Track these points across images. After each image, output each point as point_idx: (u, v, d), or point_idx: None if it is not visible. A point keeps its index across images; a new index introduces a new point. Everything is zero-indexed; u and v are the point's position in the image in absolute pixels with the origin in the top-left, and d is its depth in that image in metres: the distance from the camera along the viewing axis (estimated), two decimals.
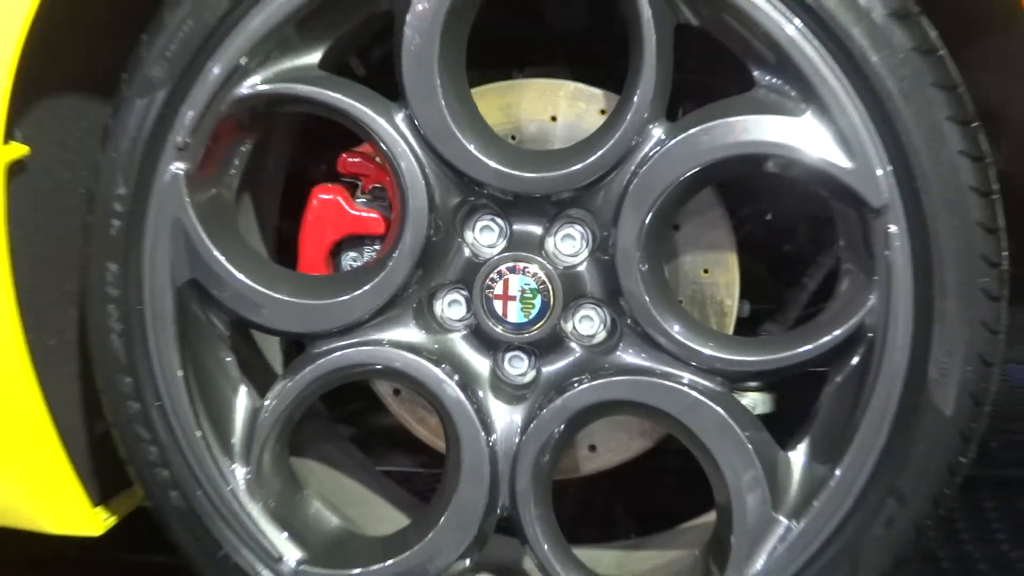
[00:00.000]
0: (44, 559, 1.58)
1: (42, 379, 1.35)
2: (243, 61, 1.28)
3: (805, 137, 1.22)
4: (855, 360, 1.27)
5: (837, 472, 1.26)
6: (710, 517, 1.37)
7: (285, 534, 1.36)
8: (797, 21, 1.20)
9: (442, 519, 1.31)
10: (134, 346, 1.34)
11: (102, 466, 1.43)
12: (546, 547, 1.31)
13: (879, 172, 1.21)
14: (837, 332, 1.25)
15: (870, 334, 1.24)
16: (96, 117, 1.37)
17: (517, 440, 1.32)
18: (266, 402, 1.35)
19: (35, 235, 1.36)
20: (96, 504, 1.42)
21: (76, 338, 1.42)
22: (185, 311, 1.34)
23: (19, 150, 1.32)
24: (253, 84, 1.29)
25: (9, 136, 1.30)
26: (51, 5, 1.26)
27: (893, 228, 1.21)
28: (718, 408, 1.27)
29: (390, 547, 1.35)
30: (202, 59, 1.29)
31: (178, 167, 1.30)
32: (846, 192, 1.22)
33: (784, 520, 1.28)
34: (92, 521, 1.42)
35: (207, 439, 1.35)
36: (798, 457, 1.32)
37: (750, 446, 1.27)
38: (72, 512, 1.41)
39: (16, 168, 1.32)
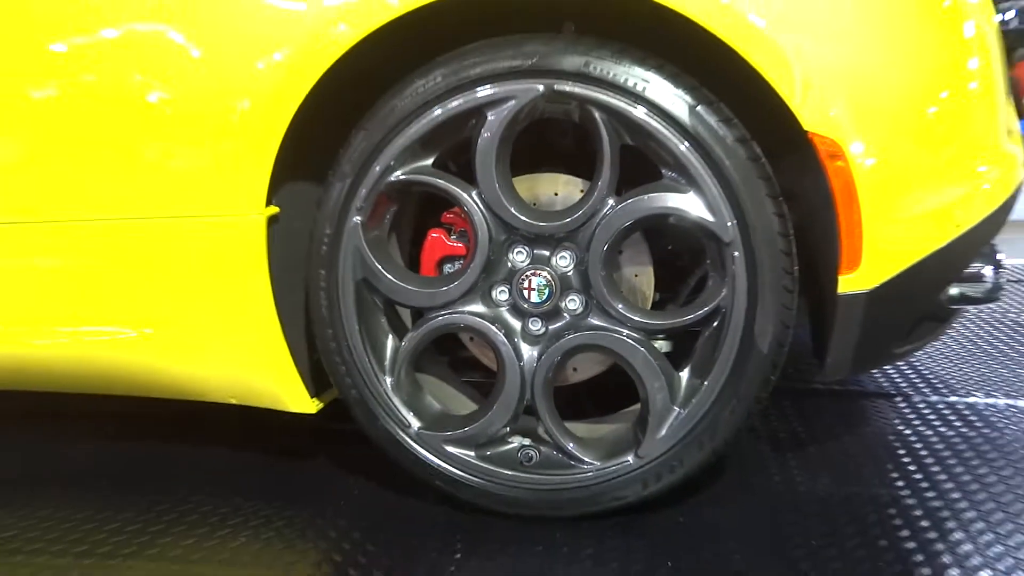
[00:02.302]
0: (289, 425, 1.53)
1: (284, 327, 1.36)
2: (392, 163, 1.30)
3: (689, 205, 1.24)
4: (715, 323, 1.28)
5: (705, 383, 1.28)
6: (637, 406, 1.37)
7: (412, 413, 1.37)
8: (685, 144, 1.23)
9: (495, 405, 1.34)
10: (334, 312, 1.36)
11: (316, 374, 1.43)
12: (549, 420, 1.34)
13: (728, 223, 1.23)
14: (707, 307, 1.27)
15: (723, 309, 1.26)
16: (317, 189, 1.36)
17: (535, 364, 1.33)
18: (402, 343, 1.37)
19: (281, 254, 1.36)
20: (312, 395, 1.43)
21: (303, 306, 1.41)
22: (360, 294, 1.35)
23: (274, 210, 1.33)
24: (397, 175, 1.31)
25: (269, 201, 1.31)
26: (302, 115, 1.26)
27: (736, 253, 1.24)
28: (642, 348, 1.30)
29: (467, 420, 1.37)
30: (370, 162, 1.30)
31: (357, 219, 1.32)
32: (711, 234, 1.25)
33: (677, 408, 1.30)
34: (311, 404, 1.43)
35: (371, 361, 1.36)
36: (685, 375, 1.33)
37: (659, 369, 1.30)
38: (301, 398, 1.41)
39: (272, 220, 1.33)
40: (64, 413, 1.83)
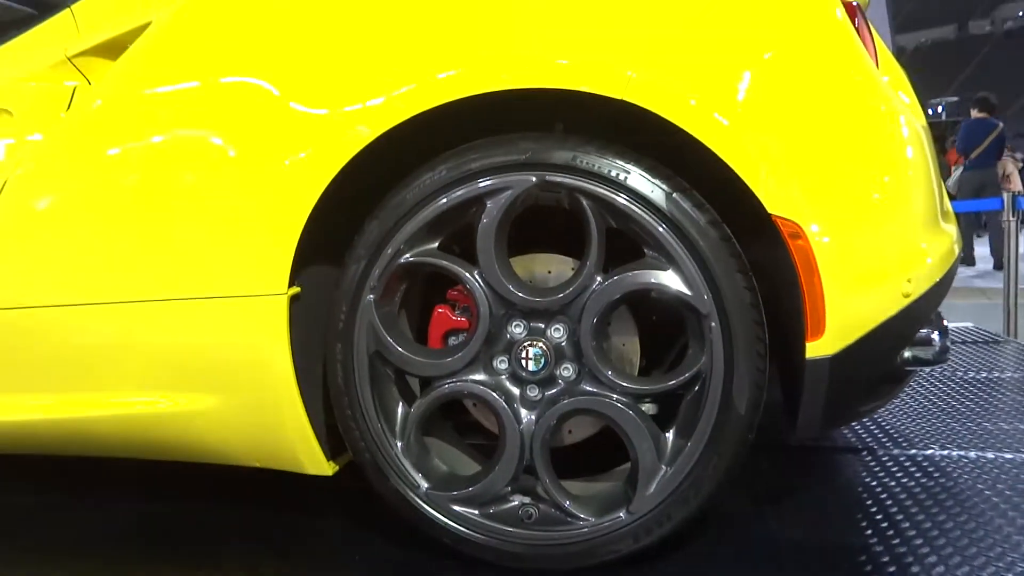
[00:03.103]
0: (307, 486, 1.53)
1: (303, 397, 1.36)
2: (401, 247, 1.33)
3: (669, 281, 1.27)
4: (696, 387, 1.30)
5: (689, 443, 1.29)
6: (627, 465, 1.37)
7: (420, 474, 1.37)
8: (663, 227, 1.26)
9: (497, 467, 1.34)
10: (349, 383, 1.37)
11: (332, 438, 1.43)
12: (547, 479, 1.34)
13: (705, 296, 1.26)
14: (688, 373, 1.29)
15: (703, 374, 1.28)
16: (334, 271, 1.38)
17: (533, 428, 1.33)
18: (412, 409, 1.38)
19: (301, 330, 1.37)
20: (329, 459, 1.42)
21: (320, 377, 1.41)
22: (373, 365, 1.36)
23: (296, 290, 1.35)
24: (406, 257, 1.33)
25: (292, 282, 1.33)
26: (322, 205, 1.29)
27: (713, 324, 1.27)
28: (630, 412, 1.31)
29: (472, 480, 1.37)
30: (382, 246, 1.33)
31: (371, 297, 1.34)
32: (689, 306, 1.28)
33: (664, 467, 1.30)
34: (327, 467, 1.42)
35: (383, 427, 1.37)
36: (670, 435, 1.33)
37: (647, 430, 1.31)
38: (318, 461, 1.40)
39: (294, 299, 1.35)
40: (96, 477, 1.80)
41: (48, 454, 1.58)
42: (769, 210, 1.22)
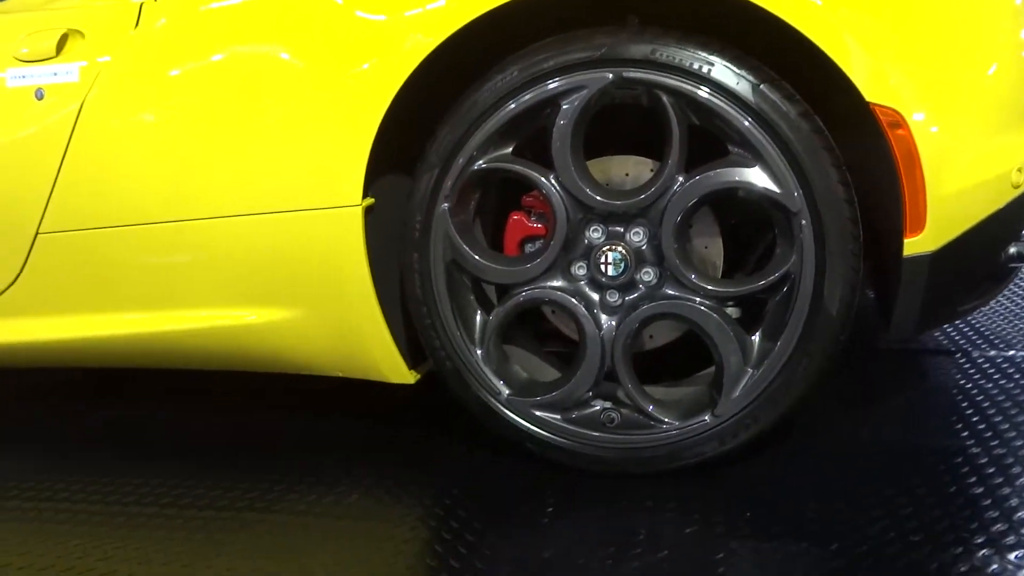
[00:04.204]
0: (387, 395, 1.57)
1: (383, 307, 1.38)
2: (474, 153, 1.30)
3: (756, 178, 1.22)
4: (785, 289, 1.26)
5: (777, 345, 1.26)
6: (711, 370, 1.35)
7: (501, 381, 1.37)
8: (749, 121, 1.20)
9: (578, 372, 1.34)
10: (427, 292, 1.36)
11: (412, 348, 1.44)
12: (629, 384, 1.33)
13: (795, 193, 1.21)
14: (776, 274, 1.24)
15: (792, 275, 1.24)
16: (407, 181, 1.37)
17: (614, 333, 1.32)
18: (490, 318, 1.37)
19: (378, 241, 1.38)
20: (410, 368, 1.44)
21: (399, 287, 1.42)
22: (450, 275, 1.36)
23: (369, 201, 1.35)
24: (479, 164, 1.31)
25: (365, 194, 1.33)
26: (391, 114, 1.27)
27: (803, 222, 1.21)
28: (715, 315, 1.28)
29: (553, 386, 1.37)
30: (455, 153, 1.30)
31: (445, 206, 1.33)
32: (778, 205, 1.22)
33: (750, 370, 1.28)
34: (409, 375, 1.44)
35: (462, 335, 1.37)
36: (756, 338, 1.30)
37: (732, 333, 1.28)
38: (400, 370, 1.43)
39: (368, 210, 1.35)
40: (185, 391, 1.89)
41: (142, 368, 1.64)
42: (867, 98, 1.15)
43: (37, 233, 1.51)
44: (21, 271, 1.55)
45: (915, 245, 1.19)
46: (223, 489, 1.40)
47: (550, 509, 1.29)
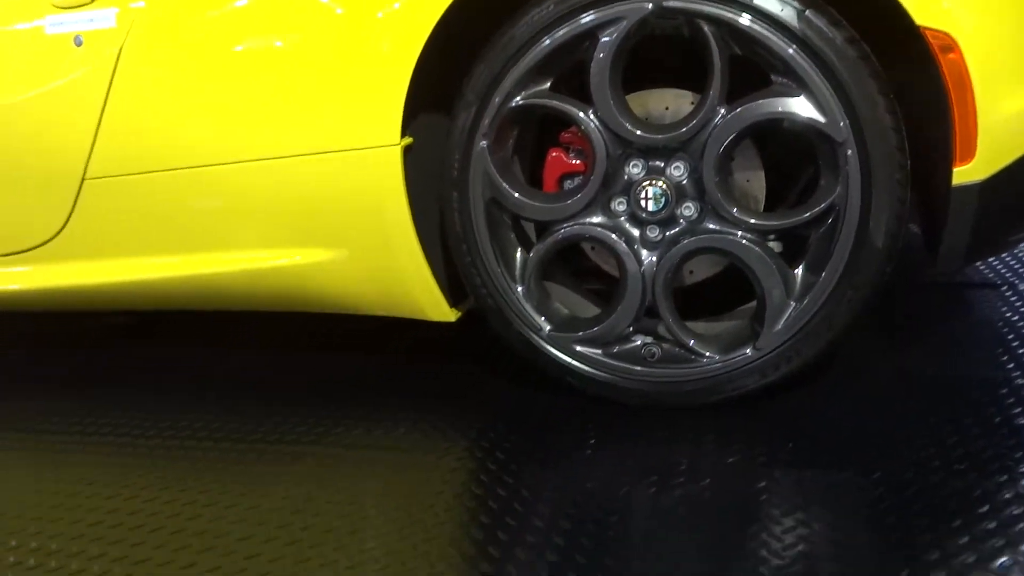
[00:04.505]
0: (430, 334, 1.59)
1: (423, 246, 1.38)
2: (512, 90, 1.29)
3: (800, 108, 1.20)
4: (829, 221, 1.24)
5: (821, 278, 1.25)
6: (752, 304, 1.35)
7: (543, 317, 1.38)
8: (793, 49, 1.18)
9: (619, 307, 1.34)
10: (467, 231, 1.37)
11: (453, 286, 1.45)
12: (670, 319, 1.33)
13: (841, 123, 1.19)
14: (821, 206, 1.23)
15: (837, 207, 1.22)
16: (445, 119, 1.37)
17: (654, 269, 1.32)
18: (530, 255, 1.38)
19: (417, 180, 1.38)
20: (452, 305, 1.45)
21: (439, 226, 1.43)
22: (490, 212, 1.36)
23: (408, 140, 1.35)
24: (517, 101, 1.30)
25: (404, 133, 1.32)
26: (427, 52, 1.27)
27: (849, 152, 1.19)
28: (757, 248, 1.27)
29: (595, 321, 1.38)
30: (492, 90, 1.29)
31: (483, 143, 1.32)
32: (823, 135, 1.20)
33: (793, 303, 1.28)
34: (450, 313, 1.45)
35: (503, 272, 1.38)
36: (799, 271, 1.29)
37: (774, 266, 1.27)
38: (441, 308, 1.44)
39: (407, 150, 1.35)
40: (235, 332, 1.94)
41: (190, 310, 1.69)
42: (918, 21, 1.11)
43: (83, 179, 1.54)
44: (69, 217, 1.58)
45: (964, 174, 1.16)
46: (274, 424, 1.45)
47: (592, 441, 1.31)
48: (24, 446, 1.48)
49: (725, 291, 1.46)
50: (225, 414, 1.50)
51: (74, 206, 1.57)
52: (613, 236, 1.32)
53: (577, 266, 1.54)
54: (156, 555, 1.09)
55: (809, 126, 1.20)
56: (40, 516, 1.21)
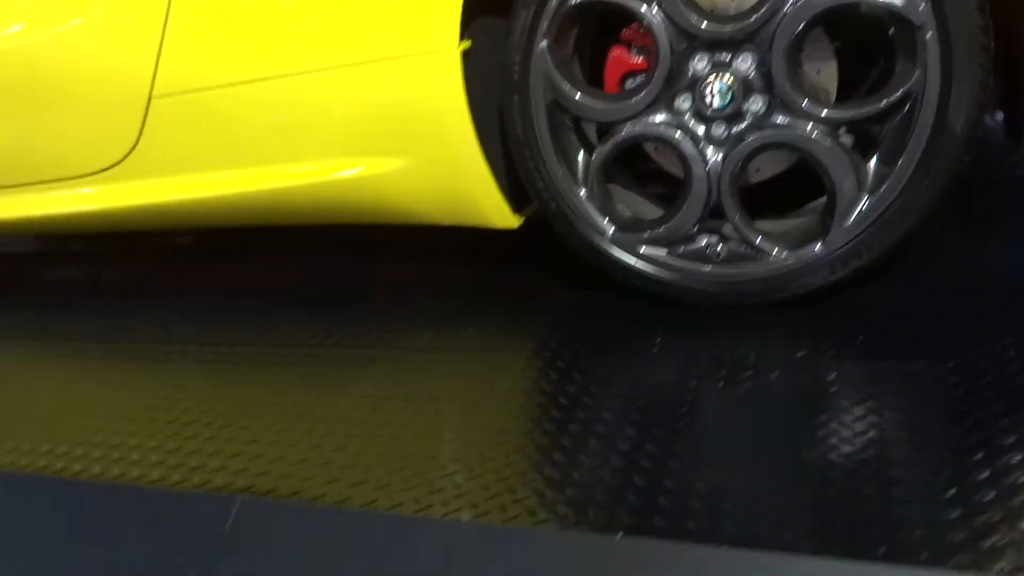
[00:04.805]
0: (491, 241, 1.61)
1: (485, 152, 1.38)
2: None
3: None
4: (905, 109, 1.20)
5: (896, 168, 1.22)
6: (821, 200, 1.32)
7: (606, 219, 1.38)
8: None
9: (684, 206, 1.33)
10: (529, 134, 1.36)
11: (516, 191, 1.46)
12: (736, 217, 1.32)
13: (920, 5, 1.14)
14: (897, 93, 1.19)
15: (914, 94, 1.18)
16: (503, 21, 1.35)
17: (720, 166, 1.30)
18: (593, 157, 1.36)
19: (477, 84, 1.37)
20: (514, 212, 1.46)
21: (500, 131, 1.43)
22: (551, 115, 1.35)
23: (466, 44, 1.33)
24: (577, 0, 1.28)
25: (462, 36, 1.31)
26: None
27: (928, 35, 1.15)
28: (828, 141, 1.24)
29: (659, 222, 1.37)
30: None
31: (543, 44, 1.31)
32: (900, 18, 1.16)
33: (866, 195, 1.25)
34: (513, 219, 1.47)
35: (565, 175, 1.37)
36: (872, 163, 1.26)
37: (847, 158, 1.24)
38: (504, 214, 1.45)
39: (466, 54, 1.34)
40: (302, 245, 1.98)
41: (257, 225, 1.73)
42: None
43: (150, 98, 1.57)
44: (139, 137, 1.62)
45: None
46: (347, 331, 1.50)
47: (658, 340, 1.32)
48: (115, 356, 1.57)
49: (792, 189, 1.43)
50: (299, 324, 1.56)
51: (143, 126, 1.60)
52: (678, 134, 1.30)
53: (639, 170, 1.53)
54: (247, 449, 1.16)
55: (886, 9, 1.15)
56: (136, 418, 1.29)
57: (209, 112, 1.54)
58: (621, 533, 0.87)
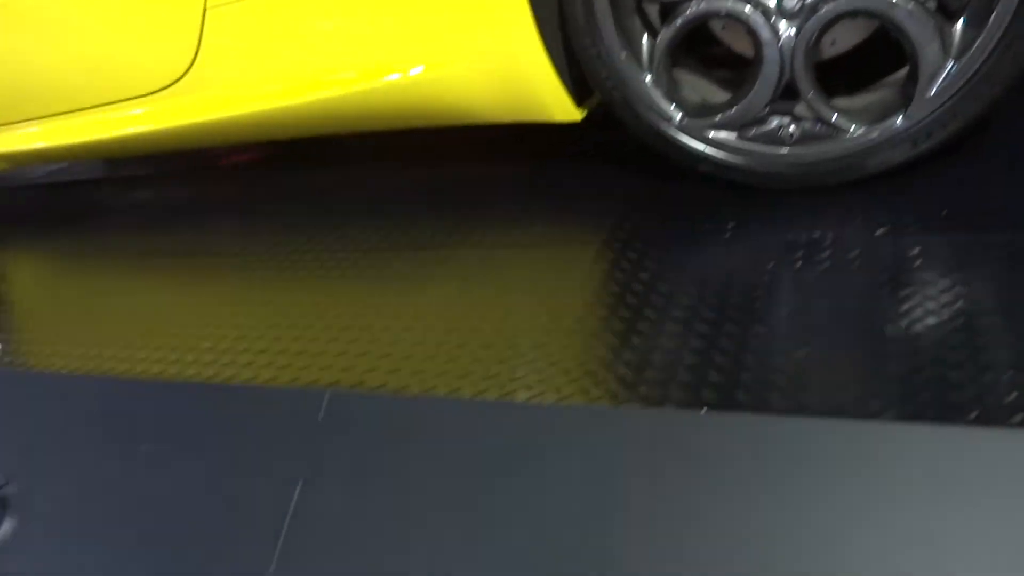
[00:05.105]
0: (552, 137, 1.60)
1: (545, 44, 1.35)
2: None
3: None
4: None
5: (985, 28, 1.15)
6: (901, 73, 1.27)
7: (673, 104, 1.35)
8: None
9: (755, 86, 1.28)
10: (590, 20, 1.32)
11: (578, 84, 1.42)
12: (811, 94, 1.27)
13: None
14: None
15: None
16: None
17: (793, 41, 1.25)
18: (657, 40, 1.32)
19: None
20: (578, 105, 1.43)
21: (560, 22, 1.38)
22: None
23: None
24: None
25: None
26: None
27: None
28: (912, 3, 1.17)
29: (728, 104, 1.33)
30: None
31: None
32: None
33: (952, 60, 1.19)
34: (576, 112, 1.44)
35: (629, 61, 1.34)
36: (958, 27, 1.19)
37: (932, 22, 1.18)
38: (567, 108, 1.42)
39: None
40: (367, 154, 1.99)
41: (333, 133, 1.74)
42: None
43: (205, 9, 1.56)
44: (197, 52, 1.62)
45: None
46: (417, 233, 1.53)
47: (731, 225, 1.30)
48: (198, 269, 1.63)
49: (869, 64, 1.36)
50: (370, 229, 1.59)
51: (200, 40, 1.60)
52: (747, 8, 1.25)
53: (704, 54, 1.47)
54: (330, 348, 1.20)
55: None
56: (222, 323, 1.35)
57: (266, 19, 1.53)
58: (705, 408, 0.88)
